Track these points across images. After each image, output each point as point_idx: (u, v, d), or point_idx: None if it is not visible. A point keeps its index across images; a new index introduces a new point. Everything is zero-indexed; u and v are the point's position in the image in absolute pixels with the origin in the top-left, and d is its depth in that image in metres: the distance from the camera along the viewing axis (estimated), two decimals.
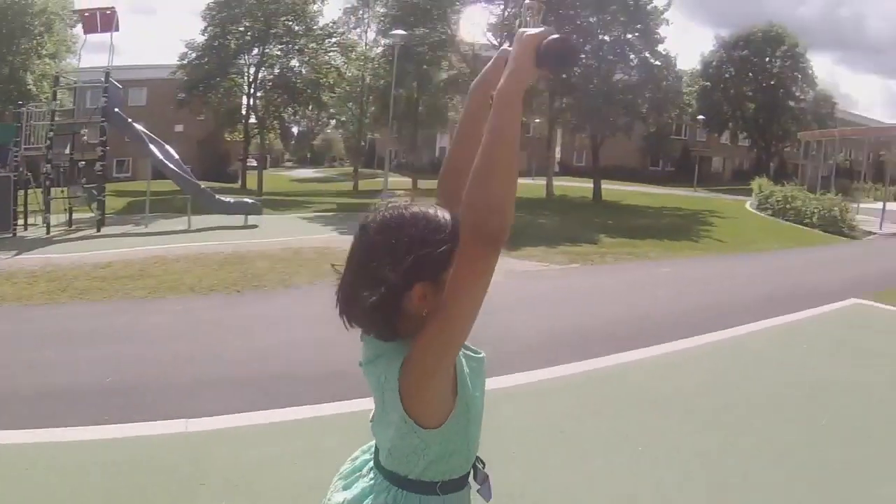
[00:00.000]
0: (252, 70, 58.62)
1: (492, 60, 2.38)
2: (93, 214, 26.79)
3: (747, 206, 45.45)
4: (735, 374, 9.42)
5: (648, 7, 45.33)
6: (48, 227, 24.15)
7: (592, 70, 45.63)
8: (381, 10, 53.09)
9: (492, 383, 6.66)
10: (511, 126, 1.97)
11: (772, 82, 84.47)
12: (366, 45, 60.94)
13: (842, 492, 5.97)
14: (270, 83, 59.21)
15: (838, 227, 32.73)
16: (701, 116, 75.80)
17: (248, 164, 65.14)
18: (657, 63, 46.73)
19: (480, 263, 1.93)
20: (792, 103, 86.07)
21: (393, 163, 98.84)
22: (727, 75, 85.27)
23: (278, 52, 58.42)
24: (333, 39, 59.24)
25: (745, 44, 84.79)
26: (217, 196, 29.98)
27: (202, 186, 30.90)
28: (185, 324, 11.56)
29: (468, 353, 2.26)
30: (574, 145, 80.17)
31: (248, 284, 14.33)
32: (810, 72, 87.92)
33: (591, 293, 15.91)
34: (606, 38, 46.32)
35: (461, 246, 1.96)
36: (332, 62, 59.75)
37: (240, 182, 61.85)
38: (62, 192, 27.04)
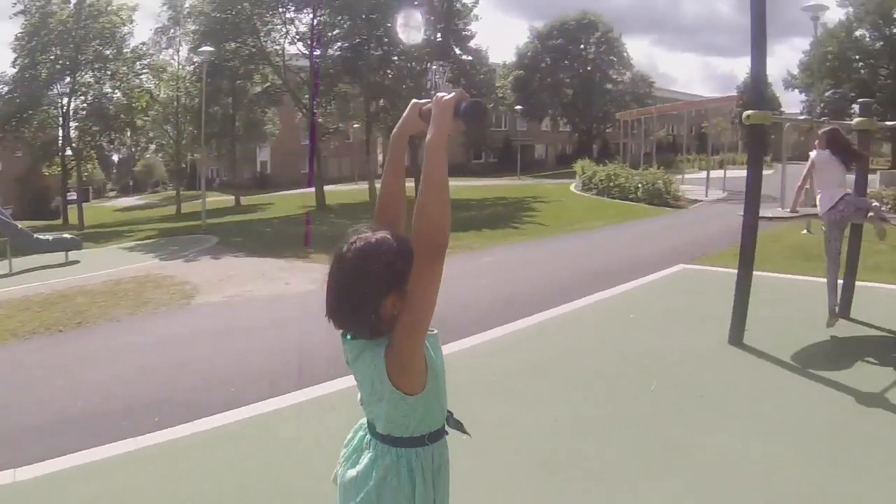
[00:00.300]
0: (65, 100, 57.10)
1: (405, 114, 3.04)
2: None
3: (572, 188, 46.36)
4: (562, 351, 9.73)
5: (457, 5, 45.93)
6: None
7: (405, 71, 45.98)
8: (193, 27, 52.36)
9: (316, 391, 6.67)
10: (440, 169, 2.64)
11: (588, 68, 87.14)
12: (178, 64, 59.95)
13: (669, 447, 6.39)
14: (84, 112, 57.78)
15: (663, 198, 34.04)
16: (519, 107, 77.04)
17: (69, 198, 63.48)
18: (469, 58, 47.38)
19: (433, 268, 2.60)
20: (610, 86, 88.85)
21: (216, 182, 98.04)
22: (543, 65, 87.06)
23: (90, 80, 57.02)
24: (145, 61, 58.07)
25: (559, 33, 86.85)
26: (35, 235, 29.20)
27: (19, 227, 30.04)
28: (8, 371, 11.29)
29: (430, 333, 2.86)
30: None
31: (71, 323, 13.94)
32: (626, 55, 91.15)
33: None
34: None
35: (417, 258, 2.62)
36: (144, 85, 58.72)
37: (62, 218, 60.23)
38: None
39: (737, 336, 9.55)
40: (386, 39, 45.13)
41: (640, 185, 35.93)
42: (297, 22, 46.91)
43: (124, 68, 56.06)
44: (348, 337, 2.92)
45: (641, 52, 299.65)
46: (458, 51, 47.46)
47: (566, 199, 40.10)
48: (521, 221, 30.40)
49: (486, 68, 48.87)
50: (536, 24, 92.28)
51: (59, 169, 60.09)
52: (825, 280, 10.13)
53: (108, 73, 56.30)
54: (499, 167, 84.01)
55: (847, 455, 6.10)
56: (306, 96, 46.28)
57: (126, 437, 7.25)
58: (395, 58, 46.40)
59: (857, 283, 11.17)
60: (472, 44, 47.66)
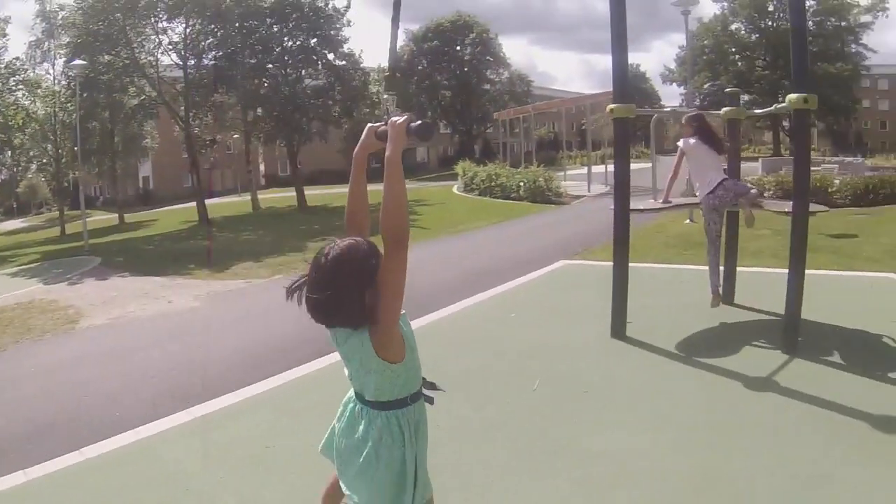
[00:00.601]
0: None
1: (363, 137, 3.82)
2: None
3: (454, 190, 46.42)
4: (440, 355, 9.41)
5: (329, 10, 45.86)
6: None
7: (280, 79, 45.83)
8: (66, 40, 51.15)
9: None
10: (398, 178, 3.35)
11: (465, 69, 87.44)
12: (54, 79, 58.48)
13: (553, 446, 6.42)
14: None
15: (545, 195, 34.52)
16: (396, 108, 77.05)
17: None
18: (342, 63, 47.35)
19: (399, 257, 3.26)
20: (488, 86, 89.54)
21: (99, 200, 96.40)
22: (420, 67, 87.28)
23: None
24: (18, 77, 56.48)
25: (434, 35, 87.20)
26: None
27: None
28: None
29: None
30: (276, 156, 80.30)
31: None
32: (502, 55, 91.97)
33: (290, 303, 15.81)
34: (291, 44, 46.42)
35: (386, 251, 3.28)
36: (20, 102, 57.26)
37: None
38: None
39: (619, 329, 9.65)
40: (259, 47, 44.96)
41: (521, 184, 36.27)
42: (169, 32, 46.04)
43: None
44: (341, 328, 3.53)
45: (519, 51, 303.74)
46: (330, 56, 47.30)
47: (448, 202, 40.17)
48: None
49: (360, 72, 48.69)
50: (412, 27, 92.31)
51: None
52: (707, 266, 10.38)
53: None
54: (381, 172, 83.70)
55: (736, 442, 6.24)
56: (182, 108, 45.62)
57: (14, 470, 7.19)
58: (270, 65, 46.13)
59: (740, 269, 11.48)
60: (345, 48, 47.51)
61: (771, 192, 23.03)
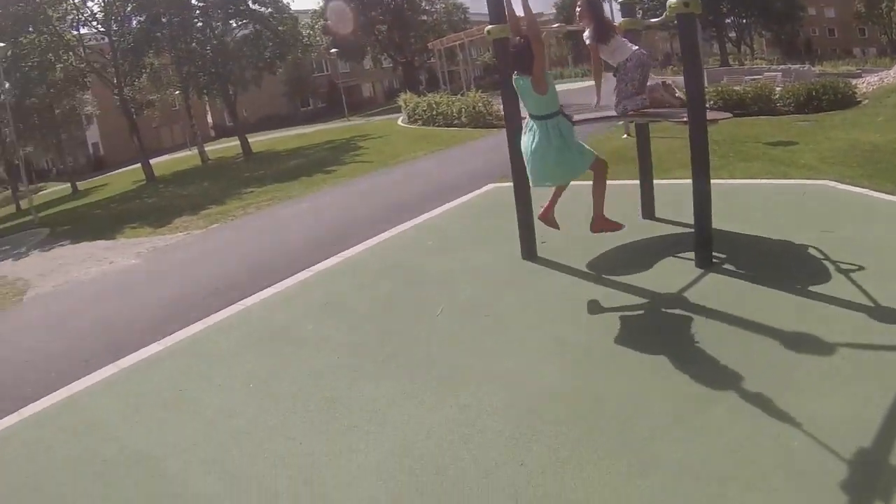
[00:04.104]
0: None
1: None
2: None
3: (399, 122, 46.09)
4: (352, 288, 10.06)
5: None
6: None
7: (208, 32, 45.70)
8: None
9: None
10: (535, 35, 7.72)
11: (397, 0, 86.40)
12: None
13: (444, 374, 6.64)
14: None
15: (486, 120, 34.34)
16: (334, 49, 76.63)
17: None
18: (268, 10, 47.23)
19: (537, 46, 7.46)
20: (424, 17, 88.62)
21: (52, 172, 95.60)
22: (352, 4, 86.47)
23: None
24: None
25: None
26: None
27: None
28: None
29: (548, 73, 7.85)
30: (221, 108, 79.81)
31: None
32: None
33: (221, 250, 16.47)
34: None
35: (532, 42, 7.51)
36: None
37: None
38: None
39: (529, 251, 9.72)
40: (182, 4, 44.51)
41: (462, 110, 36.36)
42: (90, 3, 45.57)
43: None
44: (519, 76, 7.69)
45: None
46: (255, 6, 47.12)
47: (392, 134, 40.16)
48: (349, 161, 30.71)
49: (288, 17, 48.54)
50: None
51: None
52: (637, 181, 10.64)
53: None
54: (328, 111, 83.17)
55: (631, 363, 6.32)
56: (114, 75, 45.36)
57: None
58: (196, 21, 45.95)
59: (669, 181, 11.53)
60: None
61: (712, 103, 22.45)
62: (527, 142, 7.93)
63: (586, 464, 4.89)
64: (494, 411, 5.84)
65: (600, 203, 8.26)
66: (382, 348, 7.39)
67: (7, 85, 41.52)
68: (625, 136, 19.86)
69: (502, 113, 9.50)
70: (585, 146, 8.04)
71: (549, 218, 8.67)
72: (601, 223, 8.33)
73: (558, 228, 8.69)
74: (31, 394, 8.63)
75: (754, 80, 29.50)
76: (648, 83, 9.68)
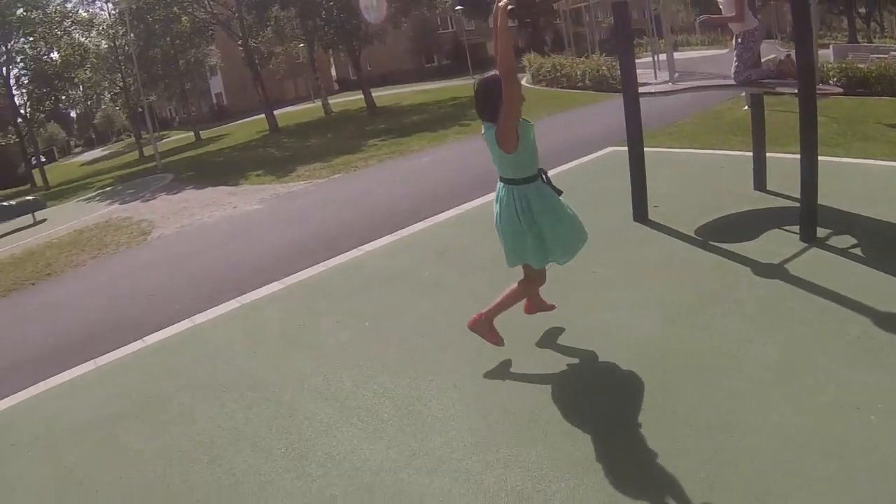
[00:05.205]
0: (3, 70, 56.63)
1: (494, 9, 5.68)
2: None
3: (523, 82, 45.84)
4: (469, 240, 10.36)
5: None
6: None
7: None
8: None
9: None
10: (502, 40, 5.53)
11: None
12: (109, 14, 59.16)
13: (548, 324, 6.87)
14: (27, 78, 57.42)
15: (609, 84, 33.34)
16: (459, 6, 76.32)
17: (33, 161, 63.49)
18: None
19: (509, 86, 5.39)
20: None
21: (175, 120, 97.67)
22: None
23: (25, 45, 56.45)
24: (70, 19, 57.24)
25: None
26: None
27: None
28: None
29: (523, 121, 5.64)
30: (343, 61, 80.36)
31: (41, 275, 15.05)
32: None
33: (342, 199, 16.90)
34: None
35: (503, 82, 5.42)
36: (76, 41, 58.24)
37: (29, 182, 60.27)
38: None
39: (641, 213, 9.81)
40: None
41: (585, 73, 35.95)
42: None
43: (57, 30, 55.48)
44: (485, 122, 5.72)
45: None
46: None
47: None
48: (467, 119, 30.70)
49: None
50: None
51: (16, 138, 60.00)
52: (751, 153, 10.43)
53: (40, 36, 55.77)
54: (452, 68, 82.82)
55: (730, 324, 6.39)
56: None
57: (87, 360, 8.54)
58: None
59: (784, 155, 11.24)
60: None
61: (834, 80, 21.36)
62: (495, 212, 6.03)
63: (671, 413, 5.09)
64: (592, 362, 6.08)
65: (502, 307, 6.34)
66: (493, 295, 7.58)
67: (132, 36, 42.61)
68: (745, 107, 19.45)
69: None
70: (577, 225, 6.12)
71: (535, 305, 6.91)
72: (482, 324, 6.37)
73: (553, 308, 6.98)
74: (155, 324, 9.31)
75: (880, 58, 27.12)
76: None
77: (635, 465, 4.62)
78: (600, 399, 5.48)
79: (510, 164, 5.70)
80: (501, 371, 6.21)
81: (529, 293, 6.48)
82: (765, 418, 4.86)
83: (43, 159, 63.02)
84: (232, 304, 9.42)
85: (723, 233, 8.90)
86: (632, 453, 4.74)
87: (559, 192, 5.95)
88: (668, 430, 4.89)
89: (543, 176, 5.90)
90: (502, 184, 5.88)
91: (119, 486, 5.45)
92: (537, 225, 5.76)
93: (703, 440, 4.71)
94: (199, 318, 9.11)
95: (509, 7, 5.54)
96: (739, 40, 9.42)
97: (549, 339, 6.65)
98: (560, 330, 6.79)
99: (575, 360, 6.17)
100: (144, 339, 8.76)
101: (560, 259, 6.07)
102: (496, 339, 6.35)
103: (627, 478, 4.47)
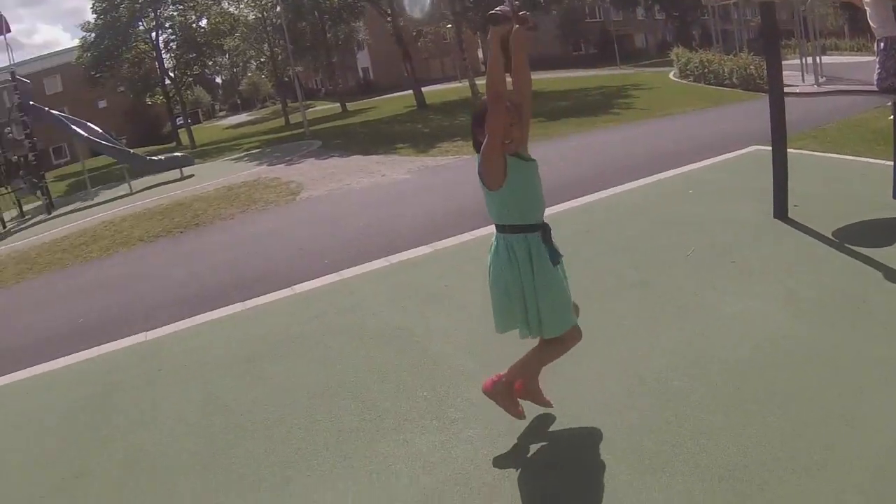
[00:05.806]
0: (153, 35, 58.41)
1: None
2: (40, 202, 27.97)
3: (670, 76, 45.43)
4: (614, 220, 10.33)
5: None
6: (2, 221, 24.61)
7: None
8: None
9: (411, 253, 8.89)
10: (492, 58, 4.35)
11: None
12: None
13: (687, 305, 6.79)
14: (175, 43, 59.15)
15: (756, 83, 32.72)
16: None
17: (179, 122, 65.35)
18: None
19: (493, 109, 4.30)
20: None
21: (321, 91, 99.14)
22: None
23: (174, 13, 58.17)
24: None
25: None
26: (149, 158, 31.18)
27: (132, 152, 32.34)
28: (138, 268, 12.86)
29: (519, 158, 4.63)
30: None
31: (189, 225, 15.64)
32: None
33: None
34: None
35: (489, 105, 4.34)
36: (227, 10, 59.78)
37: (175, 141, 62.07)
38: (7, 188, 27.92)
39: (780, 210, 9.57)
40: None
41: (733, 71, 35.39)
42: None
43: None
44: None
45: None
46: None
47: (664, 87, 39.50)
48: (620, 107, 30.45)
49: None
50: None
51: (162, 98, 61.93)
52: (891, 162, 9.74)
53: (190, 4, 57.42)
54: (599, 57, 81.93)
55: (860, 324, 6.08)
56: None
57: (235, 302, 8.90)
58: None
59: None
60: None
61: None
62: (488, 262, 5.12)
63: (791, 403, 5.04)
64: (721, 346, 5.96)
65: (528, 370, 5.13)
66: (634, 274, 7.67)
67: (279, 8, 43.52)
68: (891, 117, 19.06)
69: None
70: (564, 302, 4.90)
71: (527, 392, 5.25)
72: (503, 392, 5.10)
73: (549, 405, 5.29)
74: (303, 275, 9.57)
75: None
76: None
77: (755, 441, 4.56)
78: (727, 378, 5.42)
79: (493, 203, 4.71)
80: (630, 341, 6.21)
81: (561, 349, 4.98)
82: (884, 414, 4.70)
83: (189, 121, 64.80)
84: (380, 263, 9.55)
85: (859, 237, 8.51)
86: (748, 431, 4.68)
87: (559, 257, 4.79)
88: (788, 412, 4.83)
89: (543, 234, 4.75)
90: (496, 232, 4.86)
91: (264, 413, 5.66)
92: (527, 284, 4.74)
93: (818, 429, 4.59)
94: (347, 273, 9.28)
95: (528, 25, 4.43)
96: (882, 46, 9.10)
97: (679, 319, 6.57)
98: (691, 310, 6.72)
99: (699, 344, 6.03)
100: (293, 287, 9.01)
101: (533, 332, 4.84)
102: (517, 411, 5.07)
103: (745, 454, 4.40)
